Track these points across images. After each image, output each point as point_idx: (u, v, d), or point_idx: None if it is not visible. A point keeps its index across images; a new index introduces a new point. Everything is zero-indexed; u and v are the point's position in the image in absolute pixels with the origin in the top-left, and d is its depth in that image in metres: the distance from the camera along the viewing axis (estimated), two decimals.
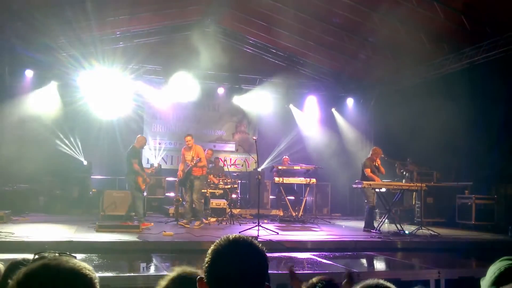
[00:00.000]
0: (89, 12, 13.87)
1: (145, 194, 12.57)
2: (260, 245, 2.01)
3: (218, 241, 1.98)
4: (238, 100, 17.97)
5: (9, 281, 1.56)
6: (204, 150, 13.39)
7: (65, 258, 1.61)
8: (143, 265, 8.16)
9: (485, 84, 13.27)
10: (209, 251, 1.95)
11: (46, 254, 2.26)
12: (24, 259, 2.22)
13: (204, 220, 12.00)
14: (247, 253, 1.94)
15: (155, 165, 15.43)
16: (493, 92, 12.99)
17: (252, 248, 1.96)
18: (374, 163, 12.23)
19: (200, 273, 2.21)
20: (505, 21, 11.88)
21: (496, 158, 12.58)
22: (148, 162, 16.45)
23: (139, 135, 12.71)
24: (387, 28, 13.51)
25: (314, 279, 2.45)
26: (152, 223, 11.70)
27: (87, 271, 1.58)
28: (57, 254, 2.31)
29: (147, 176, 12.08)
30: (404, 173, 14.51)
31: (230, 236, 2.00)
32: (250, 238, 2.02)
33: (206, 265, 1.93)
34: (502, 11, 11.62)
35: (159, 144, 16.51)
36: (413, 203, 14.12)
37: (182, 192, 12.97)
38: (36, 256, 2.25)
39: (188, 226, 11.53)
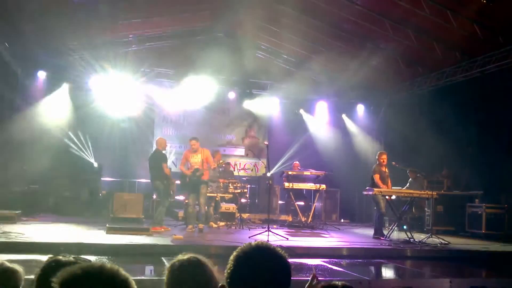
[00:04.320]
0: (102, 15, 13.93)
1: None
2: (283, 251, 2.01)
3: (241, 248, 1.98)
4: (249, 105, 17.98)
5: (51, 279, 1.59)
6: (211, 154, 13.40)
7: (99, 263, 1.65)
8: (153, 268, 8.15)
9: (496, 92, 13.22)
10: (232, 257, 1.94)
11: (60, 257, 2.27)
12: (60, 260, 2.23)
13: (190, 226, 11.76)
14: (271, 259, 1.93)
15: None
16: (505, 100, 12.95)
17: (275, 254, 1.96)
18: (383, 169, 12.17)
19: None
20: None
21: (507, 166, 12.49)
22: None
23: (159, 137, 12.68)
24: (399, 35, 13.49)
25: (334, 283, 2.43)
26: (169, 228, 11.63)
27: (125, 276, 1.62)
28: (71, 258, 2.32)
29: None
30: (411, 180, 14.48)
31: (253, 243, 1.99)
32: (272, 245, 2.01)
33: (229, 271, 1.92)
34: None
35: (169, 147, 16.46)
36: (423, 211, 14.04)
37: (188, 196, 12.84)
38: (50, 259, 2.26)
39: (193, 230, 11.53)
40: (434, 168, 13.93)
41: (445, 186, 14.04)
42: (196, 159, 11.80)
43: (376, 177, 11.96)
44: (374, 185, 11.88)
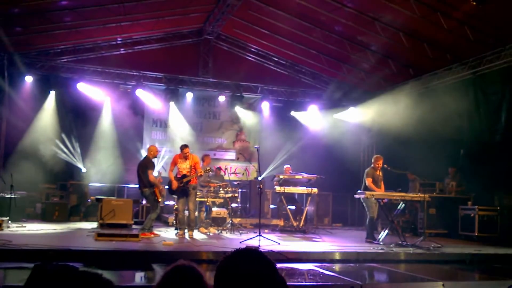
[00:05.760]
0: (89, 18, 13.83)
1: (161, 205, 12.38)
2: (265, 255, 2.01)
3: (227, 254, 1.99)
4: (239, 108, 17.89)
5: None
6: (201, 158, 13.32)
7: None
8: (143, 275, 8.02)
9: (488, 94, 13.23)
10: (218, 263, 1.96)
11: (48, 265, 2.18)
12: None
13: (181, 231, 11.60)
14: (257, 265, 1.93)
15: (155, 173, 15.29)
16: (497, 101, 12.95)
17: (261, 259, 1.96)
18: (377, 172, 12.09)
19: None
20: (507, 32, 11.84)
21: (499, 168, 12.46)
22: None
23: (150, 145, 12.59)
24: (390, 37, 13.46)
25: None
26: (158, 234, 11.49)
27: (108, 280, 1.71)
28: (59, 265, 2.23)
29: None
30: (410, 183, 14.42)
31: (240, 248, 2.00)
32: (259, 250, 2.02)
33: (216, 277, 1.93)
34: (504, 22, 11.57)
35: (159, 151, 16.30)
36: (416, 214, 13.99)
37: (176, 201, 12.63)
38: (37, 267, 2.17)
39: (184, 236, 11.37)
40: (426, 170, 13.83)
41: (454, 187, 13.95)
42: (185, 165, 11.67)
43: (369, 180, 11.88)
44: (366, 188, 11.79)
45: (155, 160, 12.22)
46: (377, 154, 12.84)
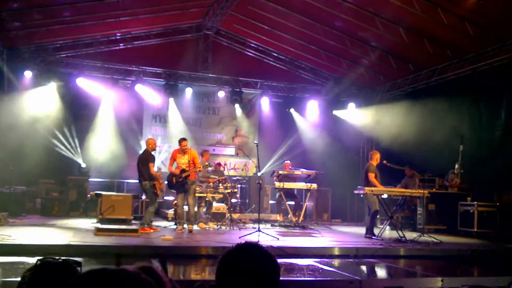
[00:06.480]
0: (88, 13, 13.81)
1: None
2: (268, 250, 1.99)
3: (228, 249, 1.96)
4: (239, 104, 17.86)
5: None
6: (200, 153, 13.32)
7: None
8: None
9: (488, 89, 13.21)
10: (220, 257, 1.93)
11: (49, 259, 2.17)
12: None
13: (180, 227, 11.61)
14: (259, 258, 1.92)
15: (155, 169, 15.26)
16: (496, 97, 12.94)
17: (263, 253, 1.95)
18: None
19: None
20: (508, 28, 11.82)
21: (499, 164, 12.46)
22: None
23: (148, 138, 12.54)
24: (390, 32, 13.44)
25: None
26: (158, 229, 11.47)
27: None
28: (61, 260, 2.21)
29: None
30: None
31: (241, 243, 1.98)
32: (260, 244, 2.01)
33: (218, 271, 1.91)
34: (505, 18, 11.55)
35: (159, 147, 16.23)
36: (415, 209, 13.98)
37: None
38: (39, 261, 2.16)
39: (183, 231, 11.37)
40: (426, 166, 13.82)
41: (457, 183, 13.92)
42: (183, 160, 11.64)
43: (372, 175, 11.84)
44: (368, 183, 11.76)
45: (154, 153, 12.17)
46: (374, 150, 12.85)
